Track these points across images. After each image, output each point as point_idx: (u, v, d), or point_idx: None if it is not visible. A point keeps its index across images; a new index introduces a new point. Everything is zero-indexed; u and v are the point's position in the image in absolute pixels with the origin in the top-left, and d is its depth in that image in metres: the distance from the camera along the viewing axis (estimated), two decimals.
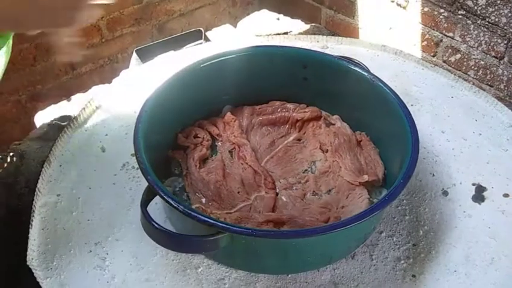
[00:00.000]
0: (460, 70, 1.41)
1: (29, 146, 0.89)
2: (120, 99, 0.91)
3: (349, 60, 0.82)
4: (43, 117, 1.01)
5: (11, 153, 0.83)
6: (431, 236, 0.72)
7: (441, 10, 1.38)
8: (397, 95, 0.75)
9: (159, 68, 0.98)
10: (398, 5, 1.48)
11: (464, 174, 0.80)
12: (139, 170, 0.65)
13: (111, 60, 1.59)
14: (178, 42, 1.31)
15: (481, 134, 0.86)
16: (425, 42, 1.47)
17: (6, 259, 0.75)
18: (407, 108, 0.73)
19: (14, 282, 0.74)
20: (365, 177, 0.74)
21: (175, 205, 0.59)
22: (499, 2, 1.26)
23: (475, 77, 1.39)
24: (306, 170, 0.79)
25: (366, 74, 0.79)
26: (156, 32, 1.63)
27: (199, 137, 0.80)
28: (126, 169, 0.79)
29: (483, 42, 1.33)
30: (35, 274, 0.65)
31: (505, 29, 1.27)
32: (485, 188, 0.78)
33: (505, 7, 1.25)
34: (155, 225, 0.59)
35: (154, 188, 0.61)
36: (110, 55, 1.58)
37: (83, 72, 1.54)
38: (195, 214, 0.59)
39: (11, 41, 0.68)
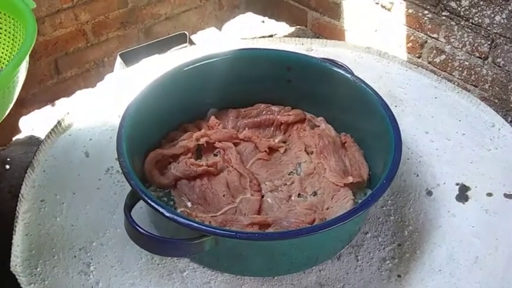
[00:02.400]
0: (444, 71, 1.43)
1: (13, 152, 0.88)
2: (104, 104, 0.91)
3: (332, 62, 0.83)
4: (27, 122, 1.00)
5: None
6: (415, 236, 0.72)
7: (426, 12, 1.39)
8: (380, 96, 0.75)
9: (143, 71, 0.98)
10: (383, 7, 1.49)
11: (447, 174, 0.81)
12: (123, 174, 0.65)
13: (97, 65, 1.58)
14: (162, 46, 1.31)
15: (464, 134, 0.87)
16: (410, 44, 1.48)
17: None
18: (389, 109, 0.73)
19: None
20: (350, 179, 0.74)
21: (159, 209, 0.59)
22: (482, 3, 1.27)
23: (459, 77, 1.41)
24: (291, 172, 0.79)
25: (349, 75, 0.79)
26: (142, 36, 1.63)
27: (183, 141, 0.80)
28: (110, 173, 0.79)
29: (467, 43, 1.35)
30: (18, 280, 0.65)
31: (488, 30, 1.28)
32: (468, 187, 0.79)
33: (487, 8, 1.26)
34: (139, 229, 0.59)
35: (138, 192, 0.61)
36: (95, 59, 1.57)
37: (68, 77, 1.54)
38: (178, 218, 0.59)
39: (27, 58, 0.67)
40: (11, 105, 0.70)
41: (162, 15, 1.65)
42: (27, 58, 0.67)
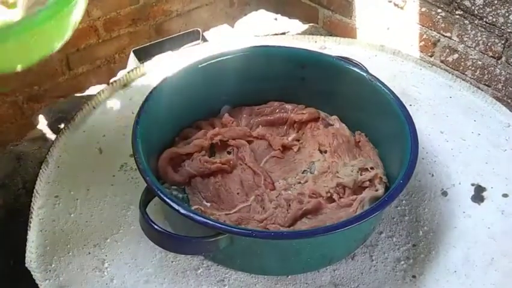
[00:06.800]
0: (457, 70, 1.42)
1: (27, 147, 0.89)
2: (117, 100, 0.91)
3: (347, 60, 0.82)
4: (41, 118, 1.00)
5: None
6: (430, 236, 0.72)
7: (439, 10, 1.38)
8: (396, 95, 0.75)
9: (157, 68, 0.97)
10: (396, 5, 1.48)
11: (463, 174, 0.80)
12: (137, 171, 0.65)
13: (108, 61, 1.58)
14: (175, 43, 1.30)
15: (479, 134, 0.86)
16: (423, 43, 1.47)
17: (3, 261, 0.74)
18: (406, 108, 0.73)
19: (12, 285, 0.74)
20: None
21: (175, 206, 0.59)
22: (496, 2, 1.26)
23: (472, 77, 1.40)
24: (305, 170, 0.79)
25: (364, 74, 0.79)
26: (153, 33, 1.63)
27: (197, 140, 0.80)
28: (124, 170, 0.79)
29: (480, 42, 1.34)
30: (33, 276, 0.65)
31: (503, 29, 1.27)
32: (484, 188, 0.78)
33: (502, 7, 1.25)
34: (155, 226, 0.59)
35: (153, 189, 0.61)
36: (107, 55, 1.57)
37: (79, 73, 1.54)
38: (194, 215, 0.59)
39: None
40: (68, 34, 0.69)
41: (173, 12, 1.65)
42: None
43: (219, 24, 1.53)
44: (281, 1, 1.79)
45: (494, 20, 1.28)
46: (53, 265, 0.66)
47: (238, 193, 0.74)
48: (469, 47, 1.36)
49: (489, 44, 1.32)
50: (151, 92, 0.74)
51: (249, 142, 0.82)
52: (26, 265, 0.66)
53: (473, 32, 1.34)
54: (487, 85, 1.37)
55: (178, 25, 1.68)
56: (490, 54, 1.33)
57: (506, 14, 1.25)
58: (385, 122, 0.76)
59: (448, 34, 1.39)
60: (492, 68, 1.34)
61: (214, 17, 1.76)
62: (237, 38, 1.20)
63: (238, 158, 0.79)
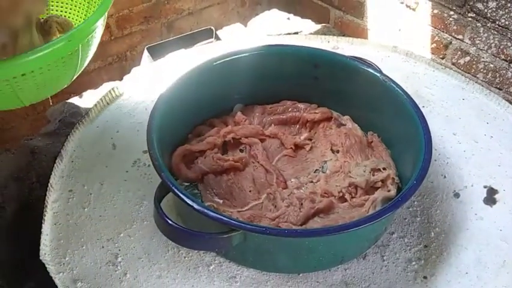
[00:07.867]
0: (468, 73, 1.41)
1: (40, 142, 0.89)
2: (131, 96, 0.91)
3: (361, 60, 0.82)
4: (54, 112, 1.01)
5: None
6: (442, 237, 0.72)
7: (451, 12, 1.38)
8: (410, 96, 0.75)
9: (170, 65, 0.98)
10: (408, 6, 1.48)
11: (475, 176, 0.80)
12: (150, 167, 0.65)
13: (119, 58, 1.59)
14: (189, 41, 1.31)
15: (492, 137, 0.86)
16: (434, 45, 1.47)
17: (17, 253, 0.75)
18: (419, 109, 0.73)
19: (25, 276, 0.74)
20: None
21: (189, 202, 0.60)
22: (509, 5, 1.25)
23: (484, 80, 1.39)
24: (317, 169, 0.79)
25: (378, 74, 0.79)
26: (165, 31, 1.64)
27: (210, 137, 0.80)
28: (137, 166, 0.79)
29: (493, 45, 1.33)
30: (48, 269, 0.65)
31: None
32: (496, 190, 0.78)
33: None
34: (169, 221, 0.59)
35: (168, 184, 0.62)
36: (118, 53, 1.58)
37: (91, 70, 1.55)
38: (208, 212, 0.59)
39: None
40: (87, 62, 0.69)
41: (185, 11, 1.65)
42: (105, 15, 0.67)
43: (230, 24, 1.54)
44: (292, 1, 1.79)
45: (506, 23, 1.28)
46: (67, 258, 0.67)
47: (250, 191, 0.74)
48: (481, 49, 1.36)
49: (501, 47, 1.31)
50: (167, 88, 0.74)
51: (262, 140, 0.82)
52: (41, 258, 0.67)
53: (486, 34, 1.33)
54: (498, 88, 1.37)
55: (190, 24, 1.68)
56: (502, 57, 1.32)
57: None
58: (398, 123, 0.76)
59: (460, 36, 1.39)
60: (504, 71, 1.34)
61: (225, 16, 1.77)
62: (250, 37, 1.21)
63: (251, 156, 0.79)
